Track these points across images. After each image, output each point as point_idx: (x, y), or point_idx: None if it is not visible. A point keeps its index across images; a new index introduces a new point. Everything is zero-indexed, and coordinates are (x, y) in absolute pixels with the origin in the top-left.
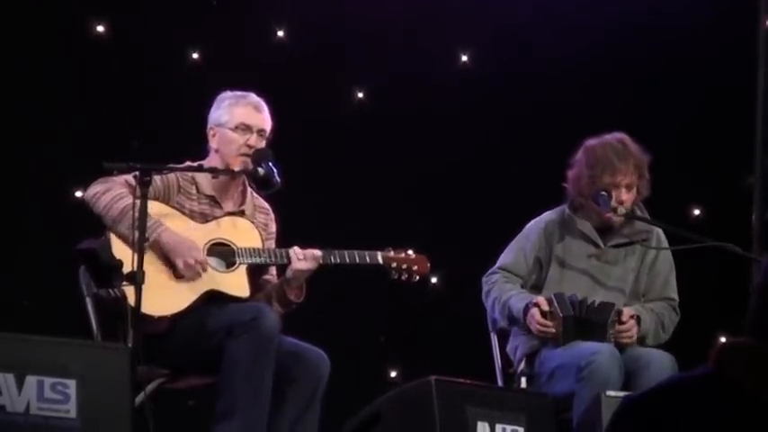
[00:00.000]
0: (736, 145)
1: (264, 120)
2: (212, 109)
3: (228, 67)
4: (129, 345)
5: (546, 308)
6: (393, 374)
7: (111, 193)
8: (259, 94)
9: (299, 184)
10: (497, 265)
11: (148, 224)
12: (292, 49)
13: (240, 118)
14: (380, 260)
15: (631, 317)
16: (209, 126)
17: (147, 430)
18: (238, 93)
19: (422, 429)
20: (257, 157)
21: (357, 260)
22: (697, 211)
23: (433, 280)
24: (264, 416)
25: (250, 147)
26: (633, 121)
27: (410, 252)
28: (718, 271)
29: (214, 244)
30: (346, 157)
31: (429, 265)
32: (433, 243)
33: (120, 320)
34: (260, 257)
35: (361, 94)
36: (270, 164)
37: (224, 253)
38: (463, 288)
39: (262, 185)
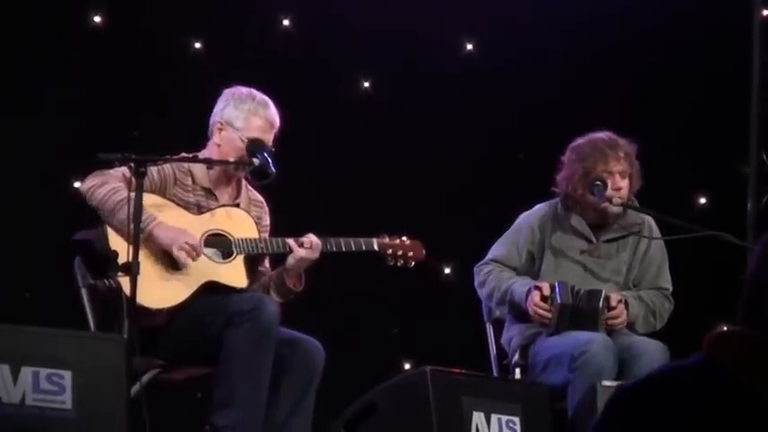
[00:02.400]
0: (735, 134)
1: (275, 134)
2: (225, 103)
3: (232, 56)
4: (125, 335)
5: (547, 293)
6: (407, 366)
7: (106, 187)
8: (262, 84)
9: (306, 173)
10: (489, 256)
11: (143, 218)
12: (297, 38)
13: (255, 132)
14: (376, 247)
15: (619, 301)
16: (216, 118)
17: (143, 421)
18: (258, 97)
19: (417, 419)
20: (253, 147)
21: (353, 247)
22: (703, 200)
23: (447, 270)
24: (262, 405)
25: None
26: (635, 110)
27: (404, 238)
28: (715, 259)
29: (210, 235)
30: (353, 147)
31: (423, 250)
32: (446, 233)
33: (116, 311)
34: (257, 247)
35: (366, 84)
36: (265, 154)
37: (220, 244)
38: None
39: (257, 176)
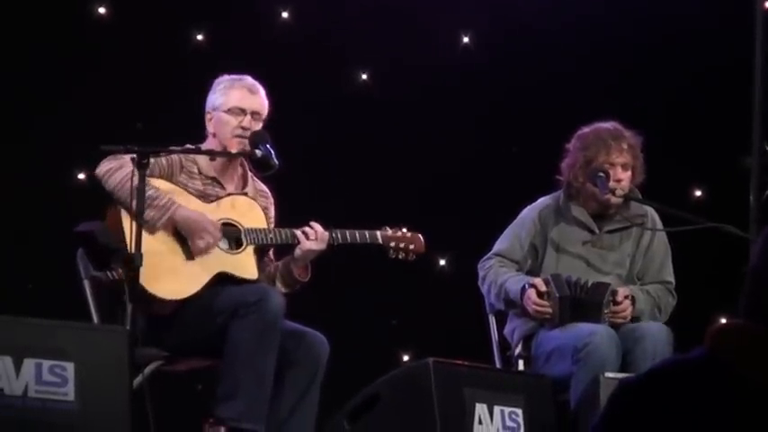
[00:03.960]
0: (736, 126)
1: (259, 102)
2: (210, 93)
3: (233, 48)
4: (128, 327)
5: (543, 288)
6: (406, 358)
7: (123, 171)
8: (263, 76)
9: (305, 165)
10: (493, 251)
11: (162, 202)
12: (297, 30)
13: (234, 101)
14: (380, 239)
15: (626, 297)
16: (206, 110)
17: (146, 412)
18: (234, 76)
19: (420, 411)
20: (255, 138)
21: (358, 239)
22: (698, 192)
23: (441, 262)
24: (267, 397)
25: (244, 129)
26: (634, 102)
27: (405, 230)
28: (717, 252)
29: (221, 224)
30: (351, 140)
31: (424, 243)
32: (441, 225)
33: (119, 303)
34: (266, 238)
35: (364, 76)
36: (267, 145)
37: (230, 233)
38: (473, 270)
39: (260, 167)
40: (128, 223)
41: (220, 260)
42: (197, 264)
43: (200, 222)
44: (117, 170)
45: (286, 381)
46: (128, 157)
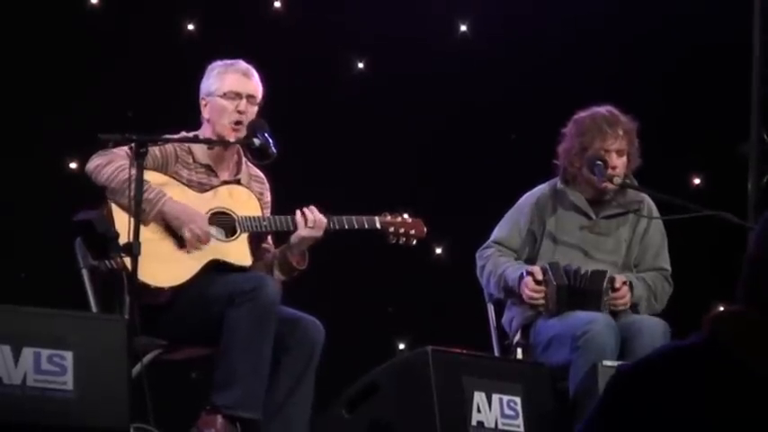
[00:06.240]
0: (735, 113)
1: (254, 85)
2: (203, 80)
3: (225, 37)
4: (126, 316)
5: (540, 277)
6: (401, 346)
7: (113, 165)
8: (256, 65)
9: (301, 153)
10: (491, 239)
11: (150, 196)
12: (289, 19)
13: (229, 86)
14: (378, 225)
15: (624, 283)
16: (200, 97)
17: (145, 401)
18: (227, 61)
19: (418, 399)
20: (254, 127)
21: (356, 225)
22: (697, 180)
23: (438, 251)
24: (264, 384)
25: (240, 113)
26: (633, 89)
27: (405, 216)
28: (715, 239)
29: (214, 213)
30: (346, 127)
31: (425, 228)
32: (438, 213)
33: (118, 292)
34: (260, 225)
35: (360, 65)
36: (266, 134)
37: (224, 222)
38: (469, 258)
39: (258, 156)
40: (120, 218)
41: (213, 248)
42: (189, 252)
43: (188, 215)
44: (105, 166)
45: (281, 366)
46: (117, 151)
